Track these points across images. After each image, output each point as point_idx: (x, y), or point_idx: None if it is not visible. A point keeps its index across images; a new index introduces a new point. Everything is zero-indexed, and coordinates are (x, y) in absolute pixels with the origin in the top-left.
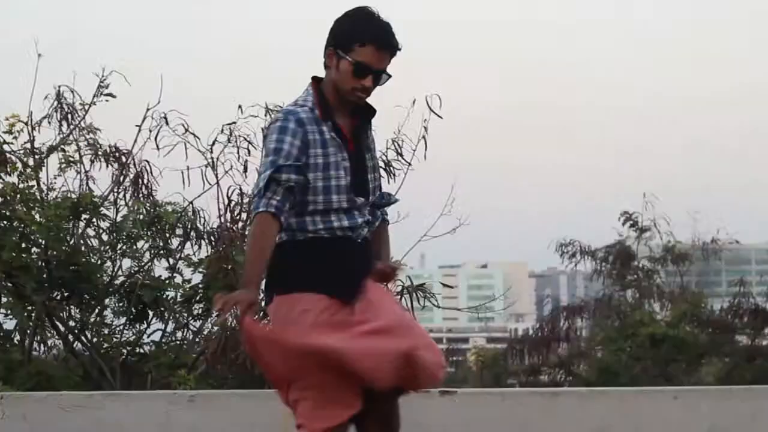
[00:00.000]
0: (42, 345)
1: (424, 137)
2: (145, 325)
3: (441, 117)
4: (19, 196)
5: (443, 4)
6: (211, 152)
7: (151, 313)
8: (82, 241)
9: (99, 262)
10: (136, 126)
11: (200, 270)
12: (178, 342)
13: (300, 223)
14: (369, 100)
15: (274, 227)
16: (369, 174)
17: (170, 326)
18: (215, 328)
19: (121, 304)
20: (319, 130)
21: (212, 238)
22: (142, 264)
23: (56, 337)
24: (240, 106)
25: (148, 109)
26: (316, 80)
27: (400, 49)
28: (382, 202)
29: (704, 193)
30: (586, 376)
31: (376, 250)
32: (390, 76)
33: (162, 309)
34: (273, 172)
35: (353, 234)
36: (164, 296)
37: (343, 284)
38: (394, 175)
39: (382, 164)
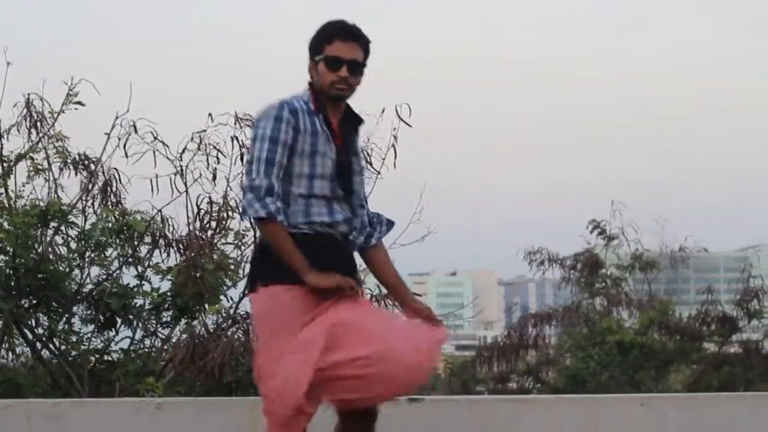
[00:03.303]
0: (10, 352)
1: (393, 146)
2: (114, 333)
3: (410, 126)
4: None
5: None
6: (181, 160)
7: (119, 320)
8: (50, 249)
9: (67, 269)
10: (105, 134)
11: (169, 278)
12: (146, 350)
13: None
14: (358, 110)
15: (278, 227)
16: (354, 176)
17: (138, 334)
18: (183, 335)
19: (89, 312)
20: (311, 120)
21: (181, 246)
22: (111, 272)
23: (24, 344)
24: (210, 115)
25: (116, 117)
26: (311, 85)
27: (369, 41)
28: (373, 223)
29: (673, 200)
30: (554, 383)
31: (384, 272)
32: (364, 66)
33: (130, 317)
34: (260, 178)
35: (332, 230)
36: (132, 304)
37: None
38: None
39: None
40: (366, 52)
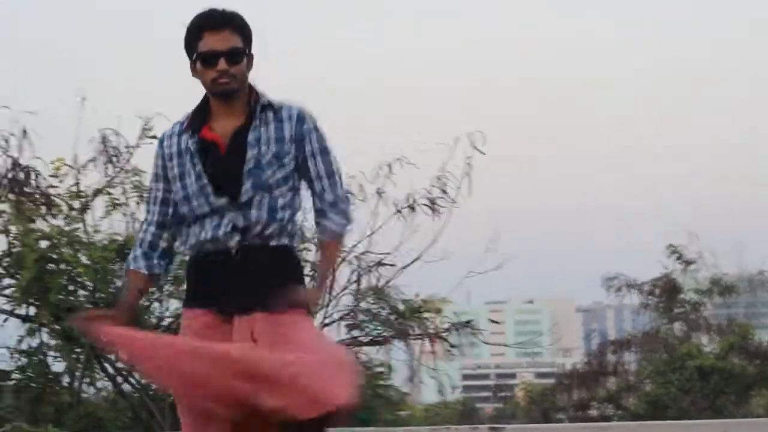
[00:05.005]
0: (91, 387)
1: (468, 174)
2: None
3: (483, 153)
4: (65, 239)
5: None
6: None
7: None
8: None
9: (146, 303)
10: None
11: None
12: None
13: (184, 239)
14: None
15: (129, 274)
16: (252, 168)
17: None
18: None
19: None
20: (177, 141)
21: None
22: None
23: (105, 378)
24: None
25: None
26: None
27: (243, 21)
28: (322, 211)
29: (750, 223)
30: (635, 409)
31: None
32: (245, 51)
33: None
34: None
35: (221, 245)
36: None
37: (212, 298)
38: (438, 212)
39: (426, 201)
40: (244, 34)
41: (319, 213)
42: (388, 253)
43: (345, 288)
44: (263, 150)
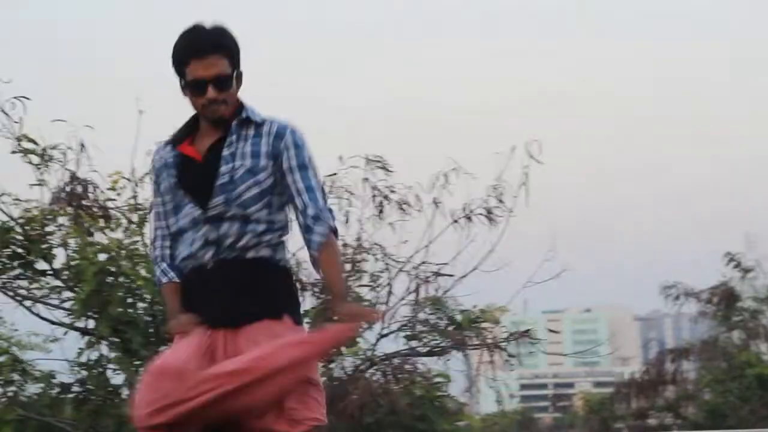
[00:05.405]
0: None
1: (524, 183)
2: None
3: (541, 162)
4: (124, 251)
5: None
6: None
7: None
8: None
9: None
10: None
11: (306, 321)
12: None
13: (175, 253)
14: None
15: (163, 289)
16: (225, 182)
17: None
18: (323, 378)
19: None
20: (165, 156)
21: (316, 290)
22: None
23: None
24: (341, 157)
25: None
26: None
27: (229, 44)
28: (309, 228)
29: None
30: (694, 418)
31: (328, 285)
32: (233, 74)
33: None
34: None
35: (196, 261)
36: None
37: (197, 312)
38: (494, 221)
39: (482, 211)
40: (232, 55)
41: (305, 229)
42: (446, 264)
43: (403, 298)
44: (237, 165)
